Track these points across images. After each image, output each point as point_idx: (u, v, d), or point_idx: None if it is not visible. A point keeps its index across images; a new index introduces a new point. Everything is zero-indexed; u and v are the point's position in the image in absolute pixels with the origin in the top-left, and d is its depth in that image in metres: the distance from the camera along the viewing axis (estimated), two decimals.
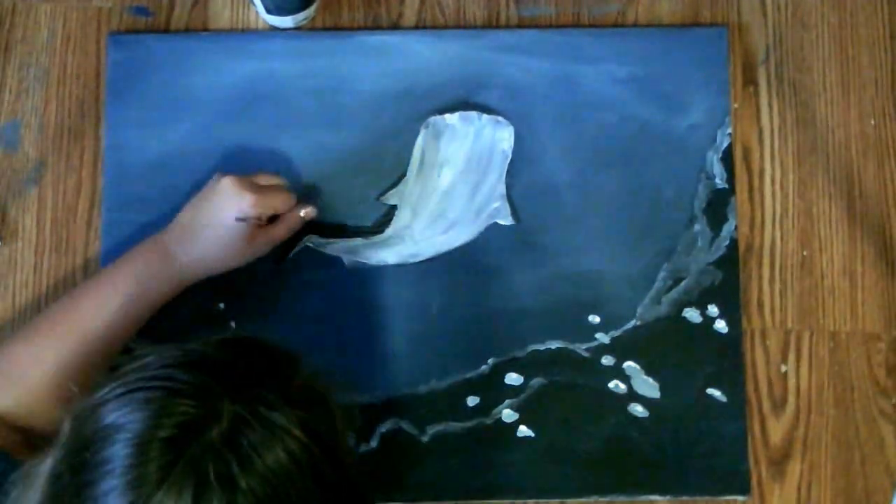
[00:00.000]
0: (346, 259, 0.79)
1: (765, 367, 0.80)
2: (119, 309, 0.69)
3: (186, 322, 0.77)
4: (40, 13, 0.83)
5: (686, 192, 0.81)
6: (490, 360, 0.79)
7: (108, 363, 0.69)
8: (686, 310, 0.80)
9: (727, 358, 0.79)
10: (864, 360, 0.80)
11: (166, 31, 0.83)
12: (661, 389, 0.78)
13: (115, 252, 0.78)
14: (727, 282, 0.80)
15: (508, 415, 0.78)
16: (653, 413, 0.78)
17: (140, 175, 0.80)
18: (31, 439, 0.67)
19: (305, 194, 0.78)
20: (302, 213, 0.75)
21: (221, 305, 0.78)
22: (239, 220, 0.70)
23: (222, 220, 0.70)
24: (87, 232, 0.80)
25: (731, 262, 0.80)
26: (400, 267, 0.79)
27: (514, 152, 0.81)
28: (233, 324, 0.77)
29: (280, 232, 0.74)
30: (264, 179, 0.74)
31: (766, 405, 0.79)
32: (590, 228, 0.80)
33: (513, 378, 0.78)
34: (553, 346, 0.79)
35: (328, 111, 0.81)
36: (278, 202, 0.73)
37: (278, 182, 0.75)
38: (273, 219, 0.74)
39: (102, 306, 0.69)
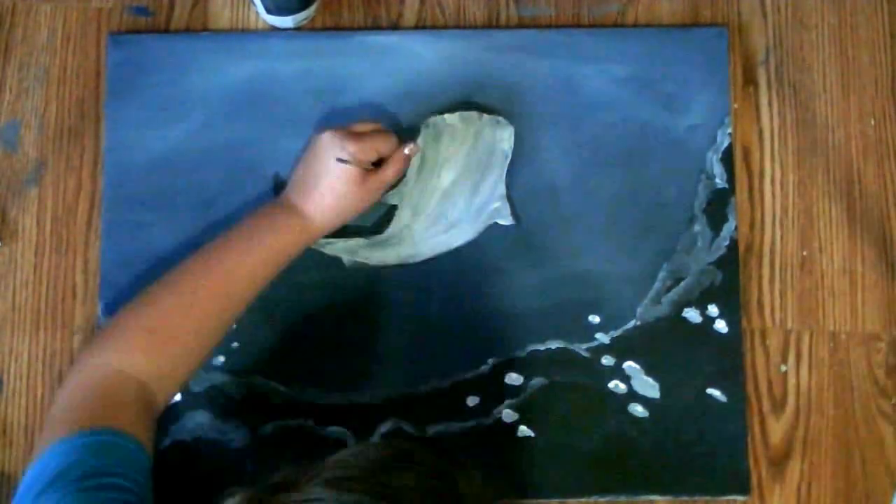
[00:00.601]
0: (346, 259, 0.79)
1: (765, 367, 0.80)
2: (258, 263, 0.71)
3: None
4: (40, 13, 0.83)
5: (686, 192, 0.81)
6: (490, 360, 0.79)
7: (240, 316, 0.72)
8: (686, 310, 0.80)
9: (727, 358, 0.79)
10: (864, 360, 0.80)
11: (166, 31, 0.83)
12: (661, 389, 0.78)
13: (115, 252, 0.79)
14: (727, 282, 0.80)
15: (508, 415, 0.78)
16: (653, 413, 0.78)
17: (140, 175, 0.80)
18: (154, 422, 0.67)
19: (406, 134, 0.79)
20: (406, 151, 0.75)
21: None
22: (340, 160, 0.71)
23: (331, 169, 0.72)
24: (87, 232, 0.80)
25: (731, 262, 0.80)
26: (400, 267, 0.79)
27: (514, 152, 0.81)
28: (233, 324, 0.77)
29: (389, 172, 0.74)
30: (361, 126, 0.75)
31: (766, 405, 0.79)
32: (590, 228, 0.80)
33: (513, 378, 0.78)
34: (553, 346, 0.79)
35: (328, 111, 0.81)
36: (379, 144, 0.74)
37: (376, 127, 0.75)
38: (380, 164, 0.75)
39: (244, 261, 0.71)
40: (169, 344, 0.67)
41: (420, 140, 0.80)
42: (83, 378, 0.66)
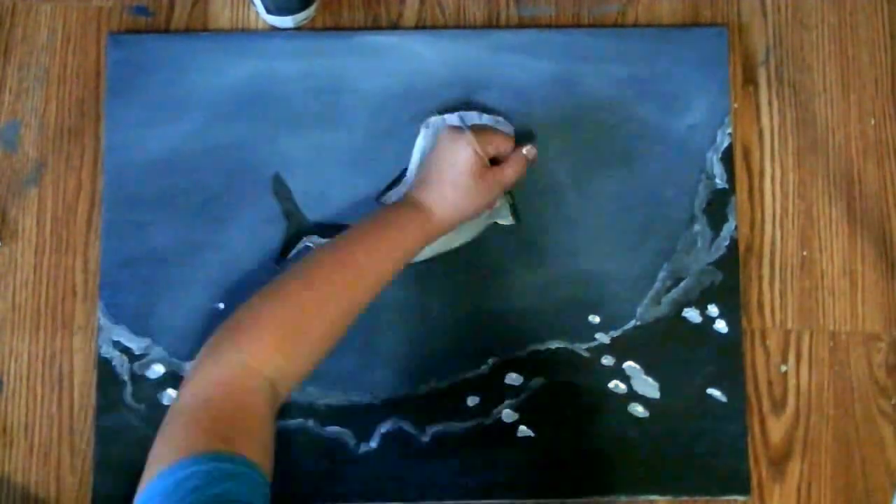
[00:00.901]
0: None
1: (765, 367, 0.80)
2: (385, 259, 0.70)
3: (187, 321, 0.78)
4: (40, 13, 0.83)
5: (686, 192, 0.81)
6: (490, 360, 0.79)
7: (363, 311, 0.70)
8: (686, 310, 0.80)
9: (727, 358, 0.79)
10: (864, 360, 0.80)
11: (166, 31, 0.83)
12: (661, 389, 0.78)
13: (115, 252, 0.79)
14: (727, 282, 0.80)
15: (508, 415, 0.78)
16: (653, 413, 0.78)
17: (140, 175, 0.80)
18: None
19: (522, 137, 0.79)
20: (524, 151, 0.75)
21: (221, 305, 0.78)
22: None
23: (455, 162, 0.72)
24: (87, 232, 0.80)
25: (731, 262, 0.80)
26: None
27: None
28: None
29: (508, 172, 0.74)
30: (481, 123, 0.76)
31: (766, 405, 0.79)
32: (590, 228, 0.80)
33: (513, 378, 0.78)
34: (553, 346, 0.79)
35: (328, 111, 0.81)
36: (498, 141, 0.73)
37: (492, 126, 0.76)
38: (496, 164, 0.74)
39: (372, 258, 0.69)
40: (303, 339, 0.65)
41: (420, 139, 0.80)
42: (216, 376, 0.61)
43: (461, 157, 0.72)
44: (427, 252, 0.79)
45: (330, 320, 0.66)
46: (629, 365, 0.79)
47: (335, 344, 0.67)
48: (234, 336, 0.63)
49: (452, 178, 0.72)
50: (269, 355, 0.62)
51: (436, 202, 0.72)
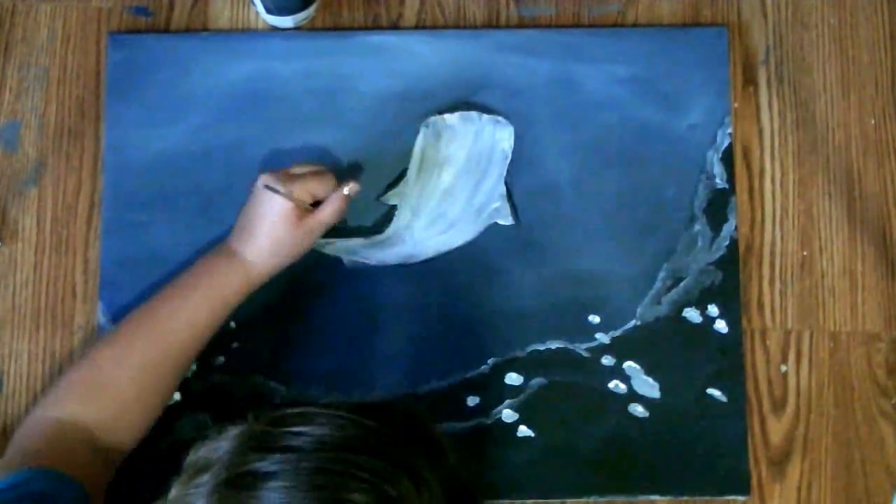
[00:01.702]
0: (346, 259, 0.79)
1: (765, 367, 0.80)
2: (197, 309, 0.71)
3: None
4: (40, 13, 0.83)
5: (686, 192, 0.81)
6: (490, 360, 0.79)
7: (187, 367, 0.73)
8: (686, 310, 0.80)
9: (727, 358, 0.79)
10: (864, 360, 0.80)
11: (166, 31, 0.83)
12: (661, 389, 0.78)
13: (115, 252, 0.79)
14: (727, 282, 0.80)
15: (508, 415, 0.78)
16: (653, 413, 0.78)
17: (140, 175, 0.80)
18: (110, 463, 0.69)
19: (348, 172, 0.79)
20: (345, 191, 0.74)
21: None
22: (268, 187, 0.71)
23: (267, 213, 0.71)
24: (87, 232, 0.80)
25: (731, 262, 0.80)
26: (400, 267, 0.79)
27: (514, 152, 0.81)
28: (232, 324, 0.77)
29: (326, 212, 0.73)
30: (298, 168, 0.74)
31: (766, 405, 0.79)
32: (590, 228, 0.80)
33: (513, 378, 0.78)
34: (553, 346, 0.79)
35: (328, 111, 0.81)
36: (312, 185, 0.73)
37: (314, 168, 0.74)
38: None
39: (182, 307, 0.71)
40: (103, 393, 0.69)
41: (420, 139, 0.80)
42: (28, 430, 0.69)
43: (275, 208, 0.71)
44: (427, 252, 0.80)
45: (134, 372, 0.70)
46: (629, 365, 0.79)
47: (160, 391, 0.71)
48: (45, 399, 0.71)
49: (266, 227, 0.71)
50: (74, 408, 0.69)
51: (251, 251, 0.72)
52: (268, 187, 0.71)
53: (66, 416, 0.68)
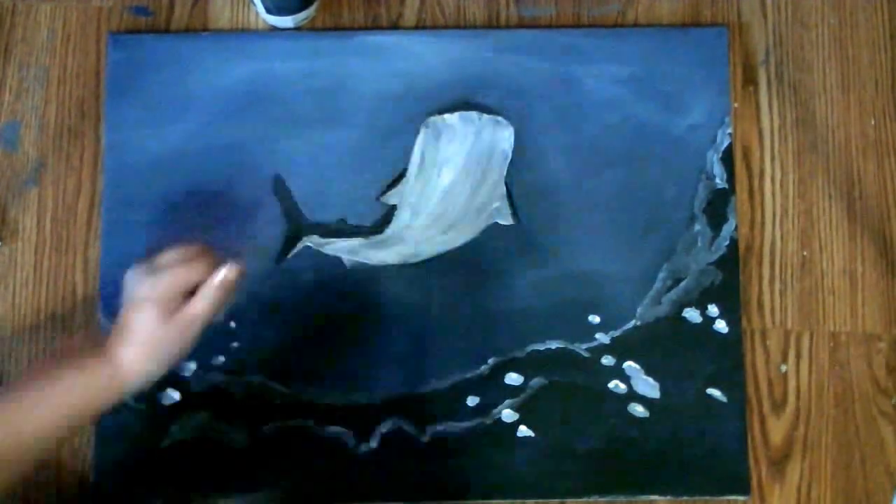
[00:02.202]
0: (346, 259, 0.79)
1: (765, 367, 0.80)
2: (52, 412, 0.63)
3: None
4: (40, 13, 0.83)
5: (686, 192, 0.81)
6: (490, 360, 0.79)
7: (36, 467, 0.65)
8: (686, 310, 0.80)
9: (727, 358, 0.79)
10: (864, 360, 0.80)
11: (166, 31, 0.83)
12: (661, 389, 0.78)
13: (115, 252, 0.79)
14: (727, 282, 0.80)
15: (508, 415, 0.78)
16: (653, 413, 0.78)
17: (140, 175, 0.80)
18: None
19: (236, 250, 0.72)
20: (217, 279, 0.65)
21: None
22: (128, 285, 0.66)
23: (135, 321, 0.65)
24: (87, 232, 0.80)
25: (731, 262, 0.80)
26: (400, 267, 0.79)
27: (514, 152, 0.81)
28: (232, 324, 0.77)
29: (197, 306, 0.65)
30: (166, 257, 0.67)
31: (766, 405, 0.79)
32: (590, 228, 0.80)
33: (513, 378, 0.78)
34: (553, 346, 0.79)
35: (328, 111, 0.81)
36: (178, 277, 0.65)
37: (182, 255, 0.67)
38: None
39: (33, 409, 0.63)
40: None
41: (420, 139, 0.80)
42: None
43: (140, 307, 0.64)
44: (427, 252, 0.80)
45: None
46: (629, 365, 0.79)
47: (8, 485, 0.62)
48: None
49: (135, 328, 0.64)
50: None
51: (125, 353, 0.64)
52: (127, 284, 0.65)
53: None
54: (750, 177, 0.82)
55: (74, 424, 0.65)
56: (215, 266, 0.66)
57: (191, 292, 0.66)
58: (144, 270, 0.66)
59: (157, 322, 0.64)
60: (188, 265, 0.66)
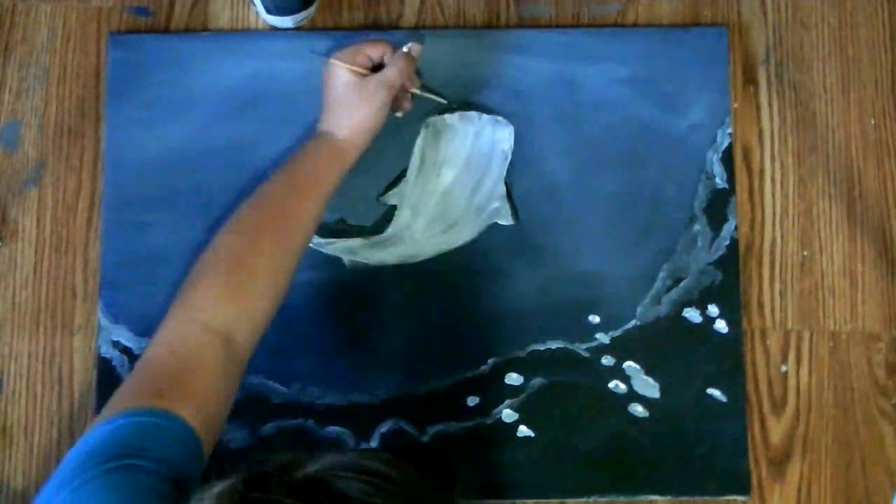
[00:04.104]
0: (346, 259, 0.79)
1: (765, 367, 0.80)
2: (305, 190, 0.72)
3: None
4: (40, 13, 0.83)
5: (686, 192, 0.81)
6: (490, 360, 0.79)
7: (303, 254, 0.72)
8: (686, 310, 0.80)
9: (727, 358, 0.79)
10: (864, 360, 0.80)
11: (166, 31, 0.83)
12: (661, 389, 0.78)
13: (115, 252, 0.79)
14: (727, 282, 0.80)
15: (508, 415, 0.78)
16: (653, 413, 0.78)
17: (140, 175, 0.80)
18: (238, 375, 0.65)
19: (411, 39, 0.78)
20: (405, 49, 0.75)
21: None
22: (313, 52, 0.76)
23: (333, 85, 0.74)
24: (87, 232, 0.80)
25: (731, 262, 0.80)
26: (400, 267, 0.79)
27: (514, 152, 0.81)
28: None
29: (390, 72, 0.74)
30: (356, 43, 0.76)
31: (766, 405, 0.79)
32: (590, 228, 0.80)
33: (513, 378, 0.78)
34: (553, 346, 0.79)
35: None
36: (367, 48, 0.75)
37: (372, 39, 0.77)
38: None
39: (291, 192, 0.71)
40: (246, 284, 0.67)
41: (420, 139, 0.80)
42: (164, 337, 0.64)
43: (338, 80, 0.74)
44: (427, 252, 0.80)
45: (268, 260, 0.68)
46: (629, 365, 0.79)
47: (285, 284, 0.70)
48: (183, 296, 0.67)
49: (337, 100, 0.74)
50: (218, 307, 0.65)
51: (334, 127, 0.74)
52: (311, 51, 0.75)
53: (209, 320, 0.64)
54: (750, 177, 0.82)
55: (325, 204, 0.73)
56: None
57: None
58: (340, 51, 0.75)
59: (354, 87, 0.73)
60: (374, 42, 0.75)
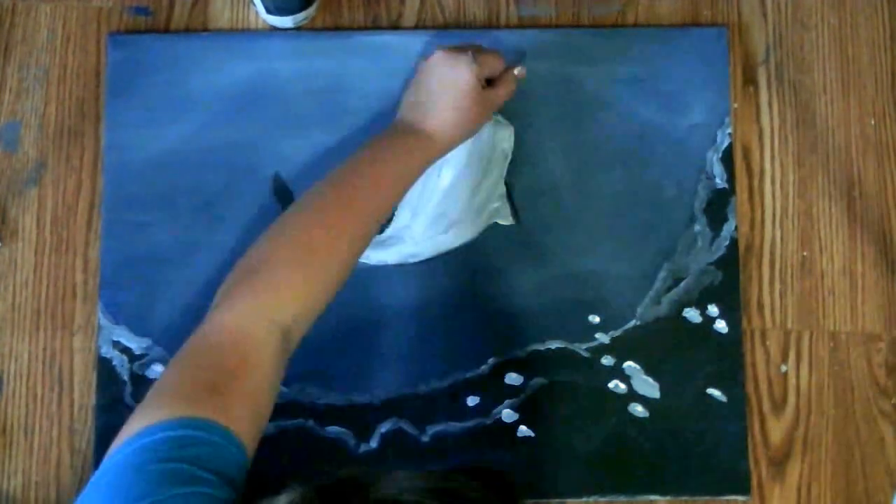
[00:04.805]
0: None
1: (765, 367, 0.80)
2: (388, 185, 0.70)
3: (187, 321, 0.77)
4: (40, 13, 0.83)
5: (686, 192, 0.81)
6: (490, 360, 0.79)
7: (366, 248, 0.70)
8: (686, 310, 0.80)
9: (727, 358, 0.79)
10: (864, 360, 0.80)
11: (166, 31, 0.83)
12: (661, 389, 0.78)
13: (115, 252, 0.79)
14: (727, 282, 0.80)
15: (508, 415, 0.78)
16: (653, 413, 0.78)
17: (140, 175, 0.80)
18: (285, 363, 0.62)
19: (513, 61, 0.78)
20: (516, 72, 0.75)
21: None
22: (449, 47, 0.72)
23: (450, 84, 0.71)
24: (87, 232, 0.80)
25: (731, 262, 0.80)
26: (400, 267, 0.79)
27: (514, 152, 0.81)
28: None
29: (501, 93, 0.74)
30: (470, 47, 0.74)
31: (766, 405, 0.79)
32: (590, 228, 0.80)
33: (513, 378, 0.78)
34: (553, 346, 0.79)
35: (328, 111, 0.81)
36: (491, 60, 0.73)
37: (484, 47, 0.75)
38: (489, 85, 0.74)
39: (375, 184, 0.69)
40: (316, 281, 0.64)
41: None
42: (228, 322, 0.60)
43: (461, 79, 0.71)
44: (427, 252, 0.80)
45: (341, 258, 0.66)
46: (629, 365, 0.79)
47: (348, 274, 0.67)
48: (249, 281, 0.63)
49: (450, 100, 0.71)
50: (286, 302, 0.62)
51: (434, 125, 0.71)
52: (453, 48, 0.71)
53: (274, 313, 0.61)
54: (750, 177, 0.82)
55: (400, 195, 0.71)
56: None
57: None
58: (458, 49, 0.72)
59: (473, 97, 0.71)
60: (495, 55, 0.74)
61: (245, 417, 0.57)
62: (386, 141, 0.72)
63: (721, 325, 0.79)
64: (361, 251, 0.69)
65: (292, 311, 0.62)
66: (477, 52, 0.73)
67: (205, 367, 0.58)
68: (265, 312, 0.61)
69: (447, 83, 0.71)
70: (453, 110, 0.71)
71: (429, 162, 0.72)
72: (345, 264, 0.67)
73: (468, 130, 0.73)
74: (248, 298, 0.62)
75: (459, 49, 0.72)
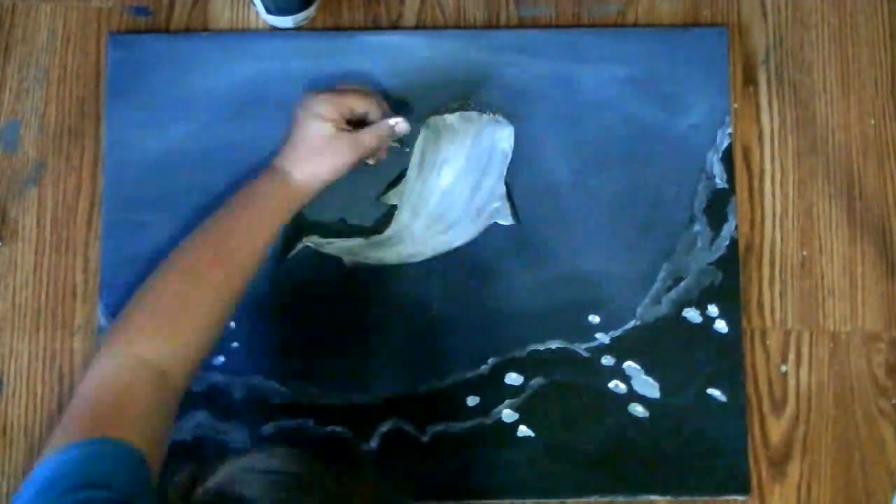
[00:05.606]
0: (346, 259, 0.79)
1: (765, 367, 0.80)
2: (250, 227, 0.71)
3: None
4: (40, 13, 0.83)
5: (686, 192, 0.81)
6: (490, 360, 0.79)
7: (243, 293, 0.70)
8: (686, 310, 0.80)
9: (727, 358, 0.79)
10: (864, 360, 0.80)
11: (166, 31, 0.83)
12: (661, 389, 0.78)
13: (115, 252, 0.79)
14: (727, 282, 0.80)
15: (508, 415, 0.78)
16: (653, 413, 0.78)
17: (140, 175, 0.80)
18: (173, 408, 0.66)
19: (396, 108, 0.77)
20: (391, 122, 0.74)
21: None
22: (306, 92, 0.73)
23: (305, 127, 0.72)
24: (87, 232, 0.80)
25: (731, 262, 0.80)
26: (400, 267, 0.79)
27: (514, 152, 0.81)
28: (232, 324, 0.77)
29: (367, 136, 0.73)
30: (343, 85, 0.75)
31: (766, 405, 0.79)
32: (590, 228, 0.80)
33: (513, 378, 0.78)
34: (553, 346, 0.79)
35: None
36: (352, 102, 0.73)
37: (358, 87, 0.75)
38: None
39: (235, 227, 0.70)
40: (178, 322, 0.67)
41: (420, 139, 0.80)
42: (98, 370, 0.64)
43: (314, 123, 0.72)
44: (427, 252, 0.80)
45: (203, 297, 0.68)
46: (629, 365, 0.79)
47: (223, 319, 0.69)
48: (118, 329, 0.67)
49: (305, 142, 0.72)
50: (151, 342, 0.65)
51: (293, 167, 0.72)
52: (308, 93, 0.72)
53: (137, 354, 0.64)
54: (750, 177, 0.82)
55: (270, 236, 0.72)
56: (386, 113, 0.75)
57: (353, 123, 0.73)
58: (318, 92, 0.73)
59: (328, 139, 0.71)
60: (365, 96, 0.74)
61: (137, 440, 0.59)
62: (251, 184, 0.73)
63: (721, 325, 0.79)
64: (234, 296, 0.69)
65: (159, 352, 0.65)
66: (342, 93, 0.73)
67: (85, 410, 0.62)
68: (131, 354, 0.64)
69: (305, 127, 0.72)
70: (313, 155, 0.72)
71: (292, 203, 0.73)
72: (212, 307, 0.68)
73: (332, 176, 0.73)
74: (118, 345, 0.65)
75: (324, 92, 0.73)
